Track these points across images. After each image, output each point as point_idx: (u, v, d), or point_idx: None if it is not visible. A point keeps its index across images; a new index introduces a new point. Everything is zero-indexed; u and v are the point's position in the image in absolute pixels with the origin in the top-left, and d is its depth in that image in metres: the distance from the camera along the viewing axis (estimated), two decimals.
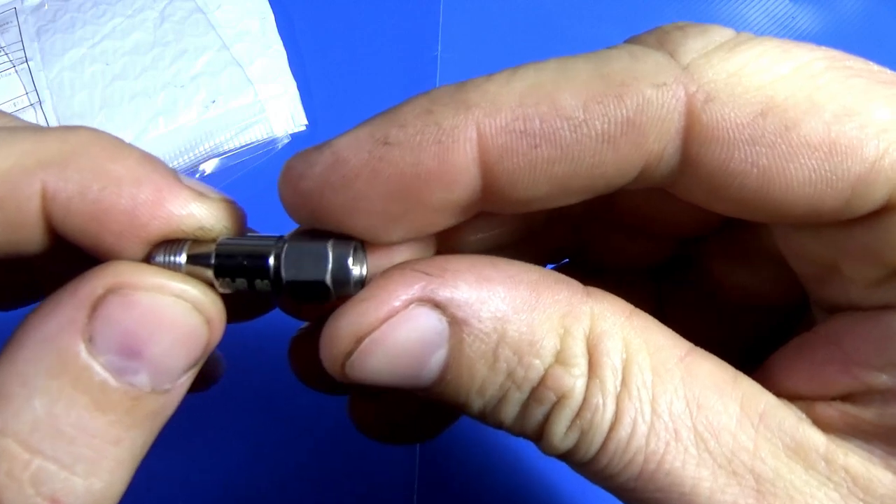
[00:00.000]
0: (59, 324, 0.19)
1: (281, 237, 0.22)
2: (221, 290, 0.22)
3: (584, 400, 0.20)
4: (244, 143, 0.52)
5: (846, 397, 0.20)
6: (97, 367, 0.19)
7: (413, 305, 0.20)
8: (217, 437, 0.43)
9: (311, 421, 0.44)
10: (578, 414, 0.20)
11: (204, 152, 0.52)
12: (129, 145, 0.22)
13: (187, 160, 0.51)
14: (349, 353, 0.20)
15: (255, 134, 0.53)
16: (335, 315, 0.20)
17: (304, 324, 0.30)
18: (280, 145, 0.53)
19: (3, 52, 0.55)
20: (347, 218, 0.20)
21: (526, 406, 0.20)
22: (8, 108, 0.52)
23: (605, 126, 0.19)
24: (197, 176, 0.51)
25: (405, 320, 0.20)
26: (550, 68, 0.20)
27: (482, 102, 0.19)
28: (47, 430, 0.19)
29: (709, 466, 0.19)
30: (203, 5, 0.57)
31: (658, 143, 0.19)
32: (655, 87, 0.19)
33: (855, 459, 0.19)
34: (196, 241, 0.21)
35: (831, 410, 0.20)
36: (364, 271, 0.22)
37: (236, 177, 0.51)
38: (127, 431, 0.20)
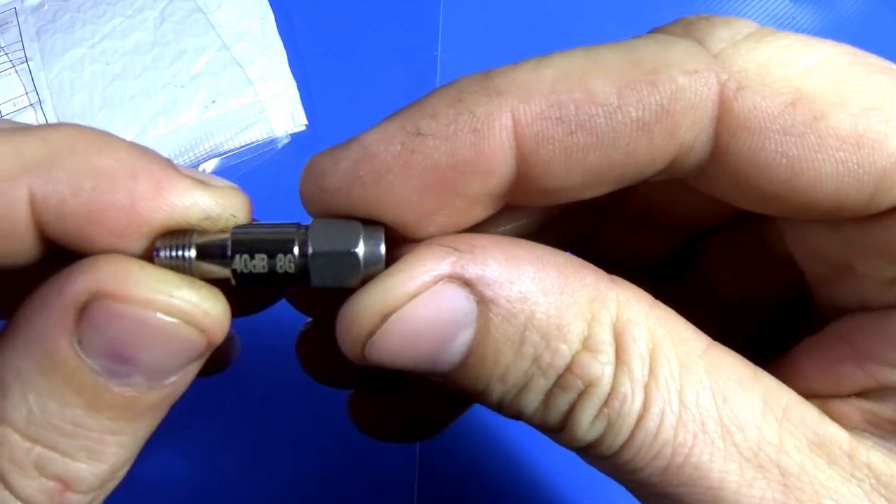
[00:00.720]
0: (47, 324, 0.19)
1: (297, 223, 0.21)
2: (235, 282, 0.20)
3: (612, 388, 0.19)
4: (244, 143, 0.52)
5: (861, 394, 0.20)
6: (88, 370, 0.19)
7: (441, 282, 0.19)
8: (215, 434, 0.43)
9: (310, 420, 0.43)
10: (606, 403, 0.19)
11: (204, 152, 0.52)
12: (117, 137, 0.20)
13: (187, 160, 0.51)
14: (372, 332, 0.19)
15: (255, 134, 0.53)
16: (358, 293, 0.20)
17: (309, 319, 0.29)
18: (280, 145, 0.53)
19: (3, 52, 0.55)
20: (378, 213, 0.20)
21: (550, 394, 0.20)
22: (8, 109, 0.52)
23: (640, 113, 0.19)
24: None
25: (433, 297, 0.19)
26: (578, 56, 0.19)
27: (513, 89, 0.19)
28: (43, 424, 0.19)
29: (735, 460, 0.19)
30: (203, 5, 0.57)
31: (690, 131, 0.19)
32: (688, 75, 0.19)
33: (877, 456, 0.19)
34: (201, 231, 0.20)
35: (848, 407, 0.20)
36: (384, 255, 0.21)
37: (236, 177, 0.51)
38: (128, 423, 0.19)
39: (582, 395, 0.19)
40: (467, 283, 0.19)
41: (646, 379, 0.19)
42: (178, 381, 0.20)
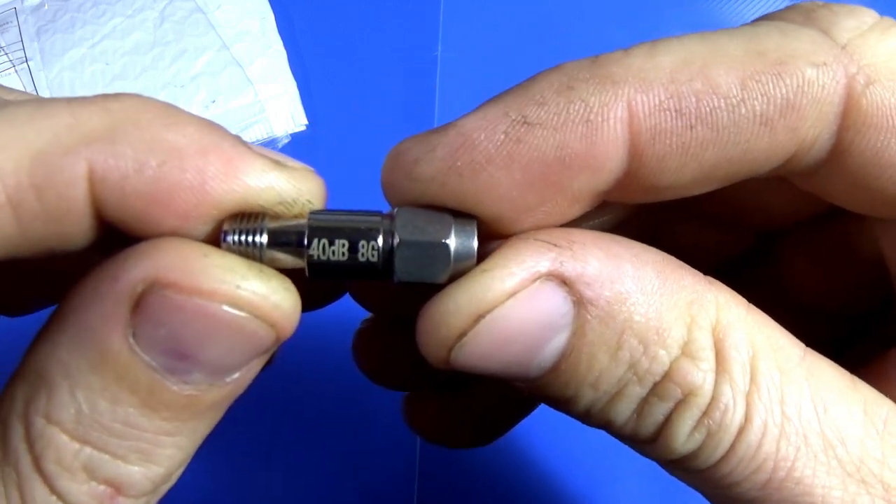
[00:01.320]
0: (99, 315, 0.17)
1: (380, 211, 0.19)
2: (309, 273, 0.19)
3: (713, 398, 0.18)
4: None
5: None
6: (143, 366, 0.17)
7: (540, 280, 0.18)
8: (214, 433, 0.43)
9: (310, 420, 0.43)
10: (706, 413, 0.18)
11: None
12: (184, 111, 0.19)
13: None
14: (463, 334, 0.18)
15: (255, 134, 0.53)
16: (450, 290, 0.18)
17: (365, 316, 0.28)
18: (280, 145, 0.53)
19: (3, 52, 0.55)
20: (473, 207, 0.18)
21: (645, 403, 0.18)
22: None
23: (764, 107, 0.18)
24: None
25: (530, 297, 0.18)
26: (695, 42, 0.18)
27: (630, 78, 0.18)
28: (93, 424, 0.17)
29: (838, 475, 0.18)
30: (203, 5, 0.57)
31: (814, 128, 0.18)
32: (815, 67, 0.18)
33: None
34: (274, 216, 0.18)
35: None
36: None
37: None
38: (185, 424, 0.18)
39: (680, 404, 0.18)
40: (566, 282, 0.18)
41: (747, 388, 0.18)
42: (241, 378, 0.18)
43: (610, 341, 0.18)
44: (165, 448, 0.18)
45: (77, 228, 0.18)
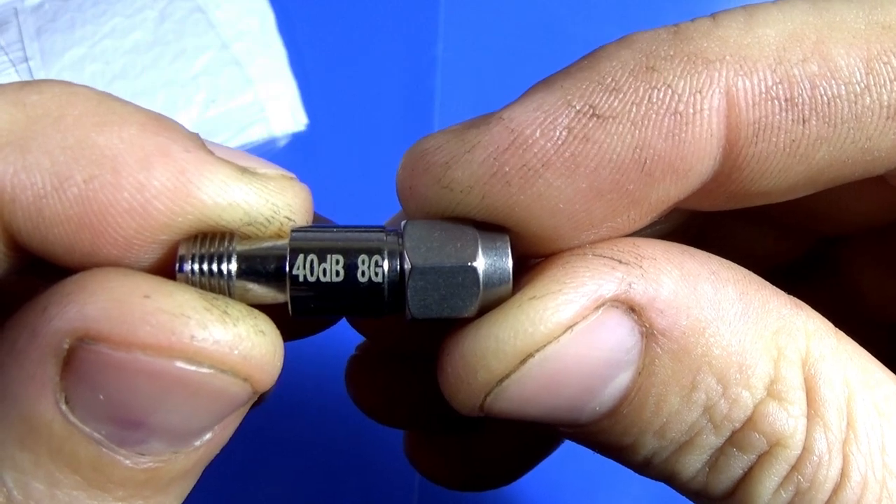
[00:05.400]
0: (21, 378, 0.13)
1: (381, 227, 0.15)
2: (294, 308, 0.14)
3: (805, 449, 0.15)
4: (244, 143, 0.52)
5: None
6: (82, 439, 0.13)
7: (604, 308, 0.14)
8: None
9: (310, 420, 0.43)
10: (796, 467, 0.15)
11: None
12: (123, 102, 0.14)
13: None
14: (504, 378, 0.14)
15: (255, 133, 0.53)
16: (485, 324, 0.14)
17: (359, 342, 0.24)
18: (280, 145, 0.53)
19: (3, 52, 0.55)
20: (524, 222, 0.14)
21: (720, 454, 0.15)
22: None
23: (893, 96, 0.14)
24: None
25: (591, 330, 0.14)
26: (804, 10, 0.14)
27: (727, 56, 0.14)
28: None
29: None
30: (203, 5, 0.57)
31: None
32: None
33: None
34: (245, 236, 0.14)
35: None
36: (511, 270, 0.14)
37: None
38: (147, 501, 0.14)
39: (765, 456, 0.15)
40: (635, 309, 0.14)
41: (844, 435, 0.15)
42: (215, 438, 0.14)
43: (683, 381, 0.14)
44: None
45: None
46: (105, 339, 0.13)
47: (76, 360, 0.13)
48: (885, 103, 0.14)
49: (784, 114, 0.14)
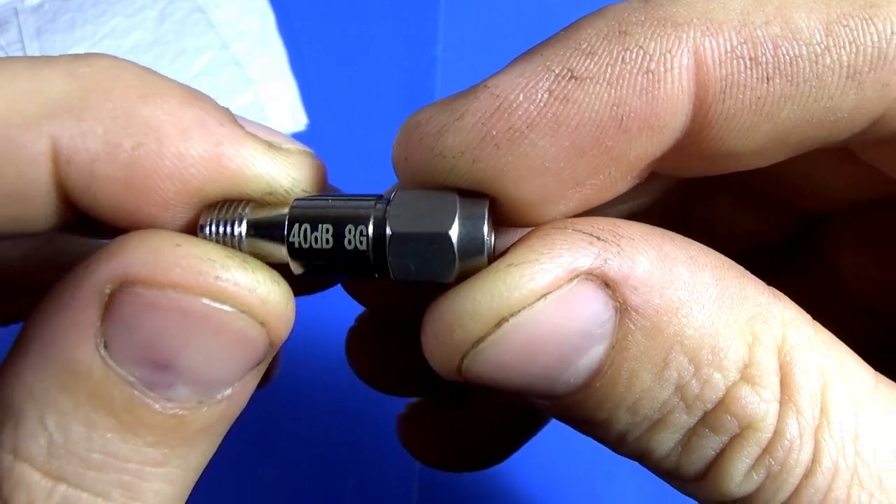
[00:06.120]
0: (65, 326, 0.15)
1: (377, 195, 0.17)
2: (295, 268, 0.16)
3: (777, 432, 0.15)
4: None
5: None
6: (118, 381, 0.15)
7: (578, 280, 0.15)
8: None
9: (310, 419, 0.43)
10: (767, 450, 0.15)
11: None
12: (164, 77, 0.16)
13: None
14: (480, 340, 0.15)
15: None
16: (465, 287, 0.15)
17: (359, 312, 0.25)
18: None
19: (3, 52, 0.55)
20: (513, 184, 0.15)
21: (693, 434, 0.16)
22: None
23: (852, 57, 0.15)
24: None
25: (566, 299, 0.15)
26: None
27: (695, 19, 0.15)
28: (67, 456, 0.15)
29: None
30: (203, 5, 0.57)
31: None
32: None
33: None
34: (259, 204, 0.16)
35: None
36: (493, 240, 0.16)
37: None
38: (174, 451, 0.15)
39: (736, 438, 0.15)
40: (609, 284, 0.15)
41: (817, 421, 0.15)
42: (235, 395, 0.16)
43: (655, 358, 0.15)
44: (153, 482, 0.15)
45: (41, 211, 0.16)
46: (142, 281, 0.14)
47: (115, 303, 0.15)
48: (845, 63, 0.15)
49: (749, 72, 0.15)
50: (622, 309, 0.15)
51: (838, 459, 0.15)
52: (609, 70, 0.15)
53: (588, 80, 0.15)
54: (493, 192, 0.16)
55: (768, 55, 0.15)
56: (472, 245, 0.15)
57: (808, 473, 0.15)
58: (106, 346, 0.15)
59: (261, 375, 0.17)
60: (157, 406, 0.15)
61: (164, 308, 0.14)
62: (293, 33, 0.57)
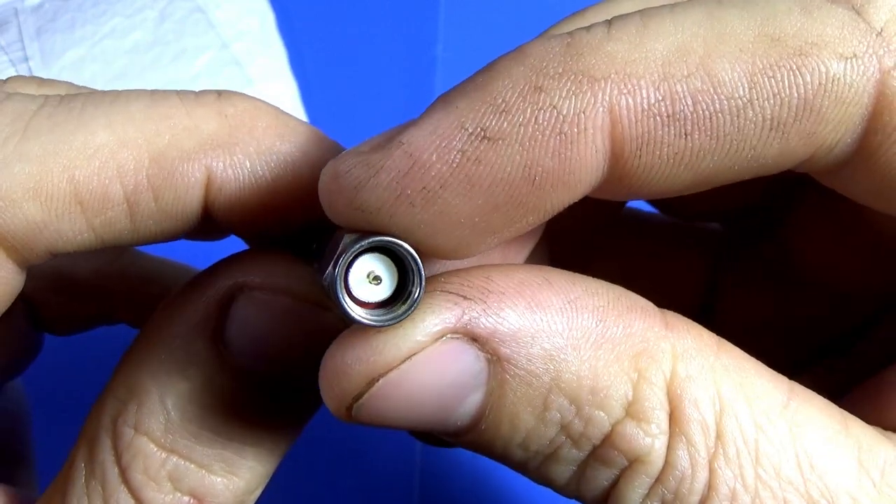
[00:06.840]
0: (189, 322, 0.18)
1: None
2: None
3: (667, 464, 0.16)
4: None
5: None
6: (231, 371, 0.18)
7: (444, 339, 0.15)
8: None
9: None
10: (659, 480, 0.16)
11: None
12: (291, 116, 0.19)
13: None
14: (358, 396, 0.16)
15: None
16: (339, 343, 0.16)
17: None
18: None
19: (2, 52, 0.55)
20: (430, 237, 0.16)
21: (586, 467, 0.16)
22: None
23: (776, 110, 0.15)
24: None
25: (433, 358, 0.15)
26: (694, 21, 0.15)
27: (612, 73, 0.15)
28: (180, 431, 0.18)
29: None
30: (203, 5, 0.57)
31: (835, 132, 0.15)
32: (843, 60, 0.15)
33: None
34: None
35: None
36: (419, 293, 0.16)
37: None
38: (269, 434, 0.18)
39: (626, 471, 0.16)
40: (476, 339, 0.15)
41: (711, 450, 0.16)
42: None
43: (535, 401, 0.16)
44: (247, 459, 0.18)
45: (184, 226, 0.19)
46: (258, 286, 0.18)
47: (234, 305, 0.18)
48: (769, 116, 0.15)
49: (666, 129, 0.15)
50: (494, 360, 0.16)
51: (735, 485, 0.15)
52: (522, 130, 0.15)
53: (500, 141, 0.15)
54: (411, 242, 0.16)
55: (687, 111, 0.15)
56: (332, 292, 0.16)
57: (704, 500, 0.16)
58: (223, 342, 0.18)
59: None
60: (262, 397, 0.18)
61: (275, 310, 0.18)
62: (293, 33, 0.57)
